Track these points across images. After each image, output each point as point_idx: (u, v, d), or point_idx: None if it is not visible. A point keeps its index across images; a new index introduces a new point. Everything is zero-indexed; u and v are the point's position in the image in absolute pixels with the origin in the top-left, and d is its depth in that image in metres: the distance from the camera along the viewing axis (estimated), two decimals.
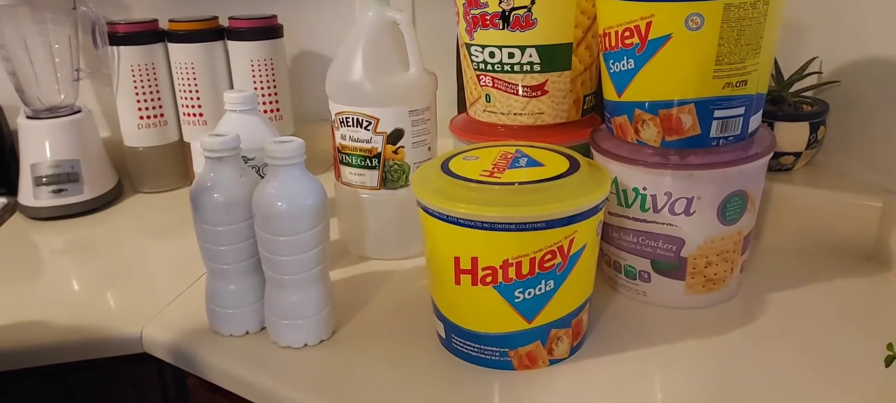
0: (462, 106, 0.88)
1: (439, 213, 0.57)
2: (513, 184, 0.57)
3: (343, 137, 0.77)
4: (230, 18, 1.01)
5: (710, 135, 0.63)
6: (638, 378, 0.59)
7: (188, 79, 1.01)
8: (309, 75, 1.15)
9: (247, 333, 0.66)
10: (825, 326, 0.66)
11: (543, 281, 0.57)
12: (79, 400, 0.72)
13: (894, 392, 0.56)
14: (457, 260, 0.58)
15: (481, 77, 0.77)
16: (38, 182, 0.96)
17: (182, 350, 0.66)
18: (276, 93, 1.03)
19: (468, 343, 0.61)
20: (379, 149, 0.76)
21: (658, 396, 0.57)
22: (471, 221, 0.55)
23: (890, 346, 0.56)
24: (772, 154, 0.67)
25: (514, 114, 0.76)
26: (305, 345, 0.64)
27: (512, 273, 0.56)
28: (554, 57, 0.73)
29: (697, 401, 0.56)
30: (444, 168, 0.61)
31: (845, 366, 0.60)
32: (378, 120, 0.75)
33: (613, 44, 0.64)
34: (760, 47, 0.61)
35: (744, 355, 0.62)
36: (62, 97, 1.01)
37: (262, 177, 0.63)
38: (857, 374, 0.58)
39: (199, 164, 0.73)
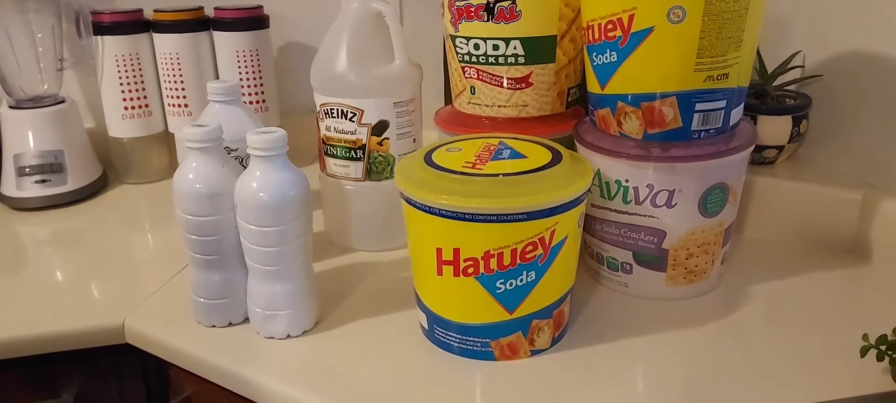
0: (449, 98, 0.88)
1: (421, 204, 0.57)
2: (495, 175, 0.57)
3: (328, 129, 0.77)
4: (216, 8, 1.00)
5: (692, 128, 0.64)
6: (619, 368, 0.60)
7: (173, 69, 1.00)
8: (296, 67, 1.15)
9: (230, 324, 0.66)
10: (805, 317, 0.67)
11: (525, 273, 0.57)
12: (60, 391, 0.72)
13: (869, 381, 0.57)
14: (439, 251, 0.58)
15: (466, 69, 0.77)
16: (21, 172, 0.96)
17: (164, 341, 0.66)
18: (261, 84, 1.02)
19: (450, 333, 0.61)
20: (364, 141, 0.76)
21: (639, 386, 0.58)
22: (452, 212, 0.56)
23: (865, 337, 0.57)
24: (753, 147, 0.67)
25: (499, 106, 0.76)
26: (288, 336, 0.64)
27: (493, 264, 0.57)
28: (538, 49, 0.73)
29: (677, 391, 0.57)
30: (428, 159, 0.61)
31: (823, 356, 0.60)
32: (362, 111, 0.75)
33: (596, 36, 0.65)
34: (742, 41, 0.62)
35: (724, 346, 0.62)
36: (45, 87, 1.01)
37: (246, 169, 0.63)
38: (834, 364, 0.59)
39: (183, 155, 0.73)
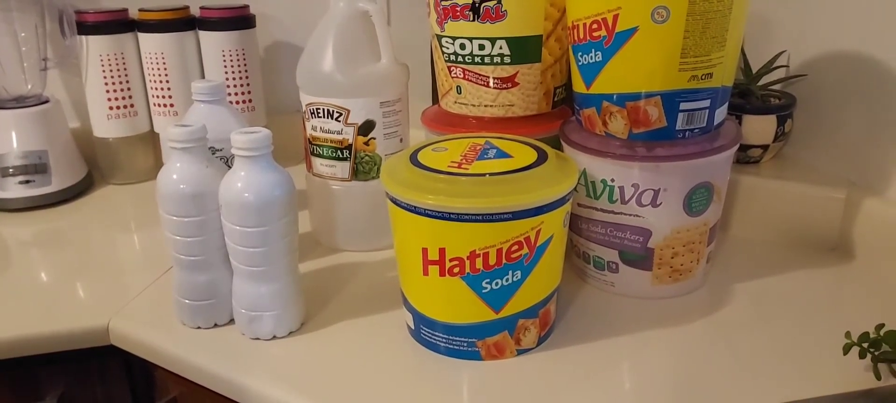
0: (436, 98, 0.88)
1: (407, 204, 0.57)
2: (481, 175, 0.57)
3: (314, 128, 0.77)
4: (201, 7, 1.00)
5: (676, 128, 0.64)
6: (605, 366, 0.60)
7: (159, 69, 0.99)
8: (282, 66, 1.14)
9: (215, 325, 0.66)
10: (789, 315, 0.67)
11: (510, 272, 0.57)
12: (45, 393, 0.72)
13: (851, 377, 0.57)
14: (424, 251, 0.58)
15: (452, 68, 0.77)
16: (4, 173, 0.95)
17: (149, 342, 0.66)
18: (248, 84, 1.02)
19: (436, 333, 0.61)
20: (350, 141, 0.76)
21: (625, 384, 0.58)
22: (438, 212, 0.56)
23: (848, 334, 0.57)
24: (737, 146, 0.68)
25: (485, 105, 0.76)
26: (274, 337, 0.64)
27: (479, 263, 0.57)
28: (524, 49, 0.73)
29: (663, 389, 0.57)
30: (413, 159, 0.61)
31: (807, 353, 0.61)
32: (349, 111, 0.75)
33: (582, 36, 0.65)
34: (726, 40, 0.62)
35: (709, 343, 0.63)
36: (29, 87, 1.00)
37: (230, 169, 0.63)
38: (818, 361, 0.60)
39: (167, 155, 0.72)
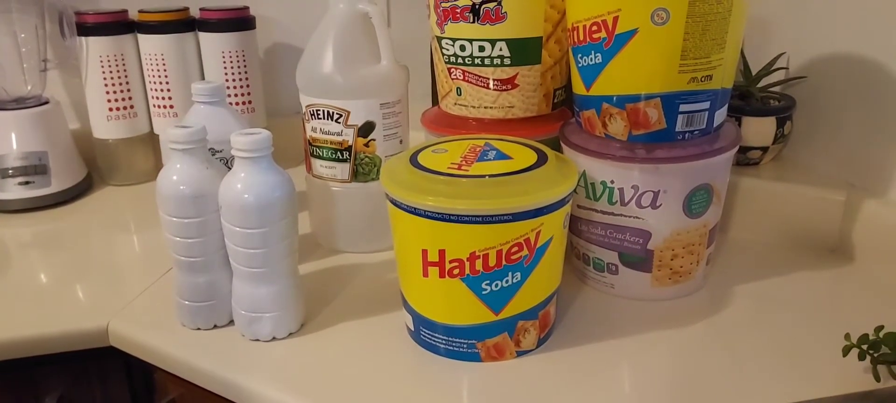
0: (436, 99, 0.88)
1: (407, 206, 0.57)
2: (480, 176, 0.57)
3: (314, 130, 0.77)
4: (201, 9, 1.00)
5: (676, 130, 0.64)
6: (604, 368, 0.60)
7: (158, 70, 0.99)
8: (282, 68, 1.14)
9: (215, 326, 0.66)
10: (789, 317, 0.67)
11: (510, 274, 0.57)
12: (44, 394, 0.72)
13: (850, 379, 0.57)
14: (424, 252, 0.58)
15: (452, 70, 0.77)
16: (4, 174, 0.95)
17: (149, 344, 0.66)
18: (247, 85, 1.02)
19: (436, 335, 0.61)
20: (350, 142, 0.76)
21: (625, 386, 0.58)
22: (438, 214, 0.56)
23: (847, 336, 0.57)
24: (736, 148, 0.68)
25: (485, 107, 0.76)
26: (273, 339, 0.64)
27: (479, 265, 0.57)
28: (524, 50, 0.73)
29: (662, 390, 0.57)
30: (413, 161, 0.61)
31: (807, 355, 0.61)
32: (348, 112, 0.75)
33: (581, 38, 0.65)
34: (725, 42, 0.62)
35: (709, 345, 0.63)
36: (29, 88, 1.00)
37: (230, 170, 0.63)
38: (818, 363, 0.60)
39: (167, 157, 0.72)
